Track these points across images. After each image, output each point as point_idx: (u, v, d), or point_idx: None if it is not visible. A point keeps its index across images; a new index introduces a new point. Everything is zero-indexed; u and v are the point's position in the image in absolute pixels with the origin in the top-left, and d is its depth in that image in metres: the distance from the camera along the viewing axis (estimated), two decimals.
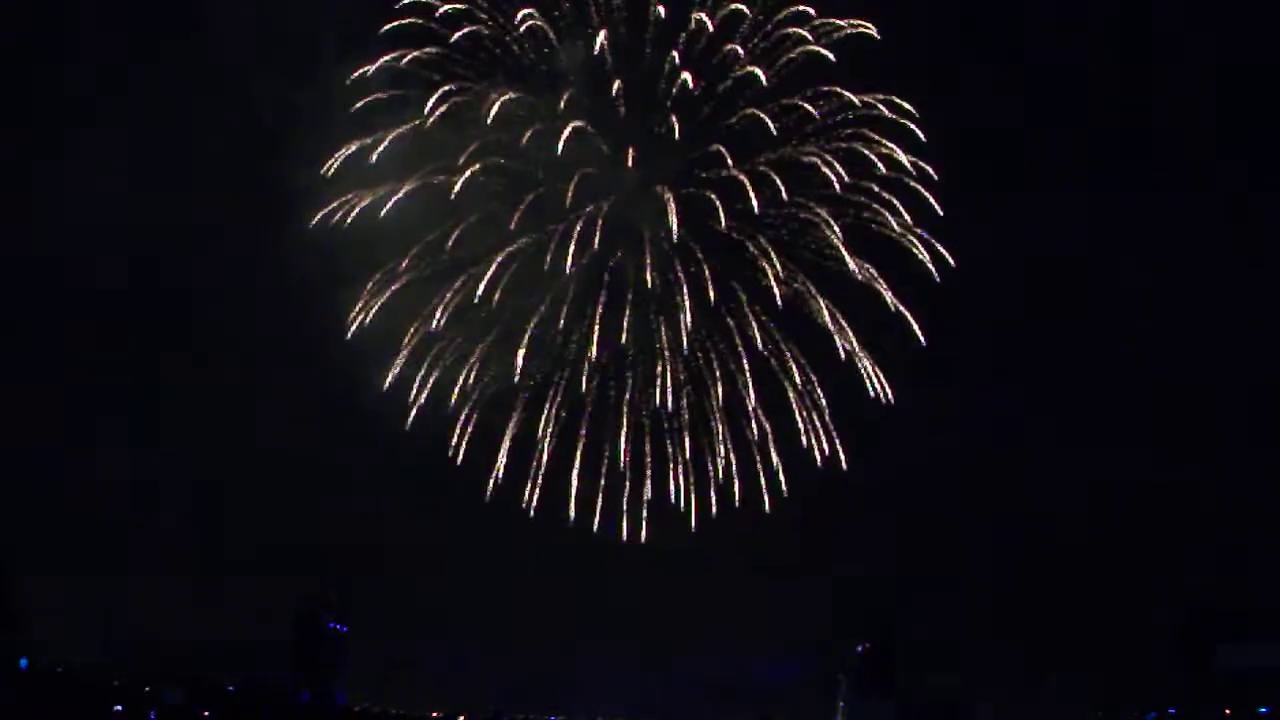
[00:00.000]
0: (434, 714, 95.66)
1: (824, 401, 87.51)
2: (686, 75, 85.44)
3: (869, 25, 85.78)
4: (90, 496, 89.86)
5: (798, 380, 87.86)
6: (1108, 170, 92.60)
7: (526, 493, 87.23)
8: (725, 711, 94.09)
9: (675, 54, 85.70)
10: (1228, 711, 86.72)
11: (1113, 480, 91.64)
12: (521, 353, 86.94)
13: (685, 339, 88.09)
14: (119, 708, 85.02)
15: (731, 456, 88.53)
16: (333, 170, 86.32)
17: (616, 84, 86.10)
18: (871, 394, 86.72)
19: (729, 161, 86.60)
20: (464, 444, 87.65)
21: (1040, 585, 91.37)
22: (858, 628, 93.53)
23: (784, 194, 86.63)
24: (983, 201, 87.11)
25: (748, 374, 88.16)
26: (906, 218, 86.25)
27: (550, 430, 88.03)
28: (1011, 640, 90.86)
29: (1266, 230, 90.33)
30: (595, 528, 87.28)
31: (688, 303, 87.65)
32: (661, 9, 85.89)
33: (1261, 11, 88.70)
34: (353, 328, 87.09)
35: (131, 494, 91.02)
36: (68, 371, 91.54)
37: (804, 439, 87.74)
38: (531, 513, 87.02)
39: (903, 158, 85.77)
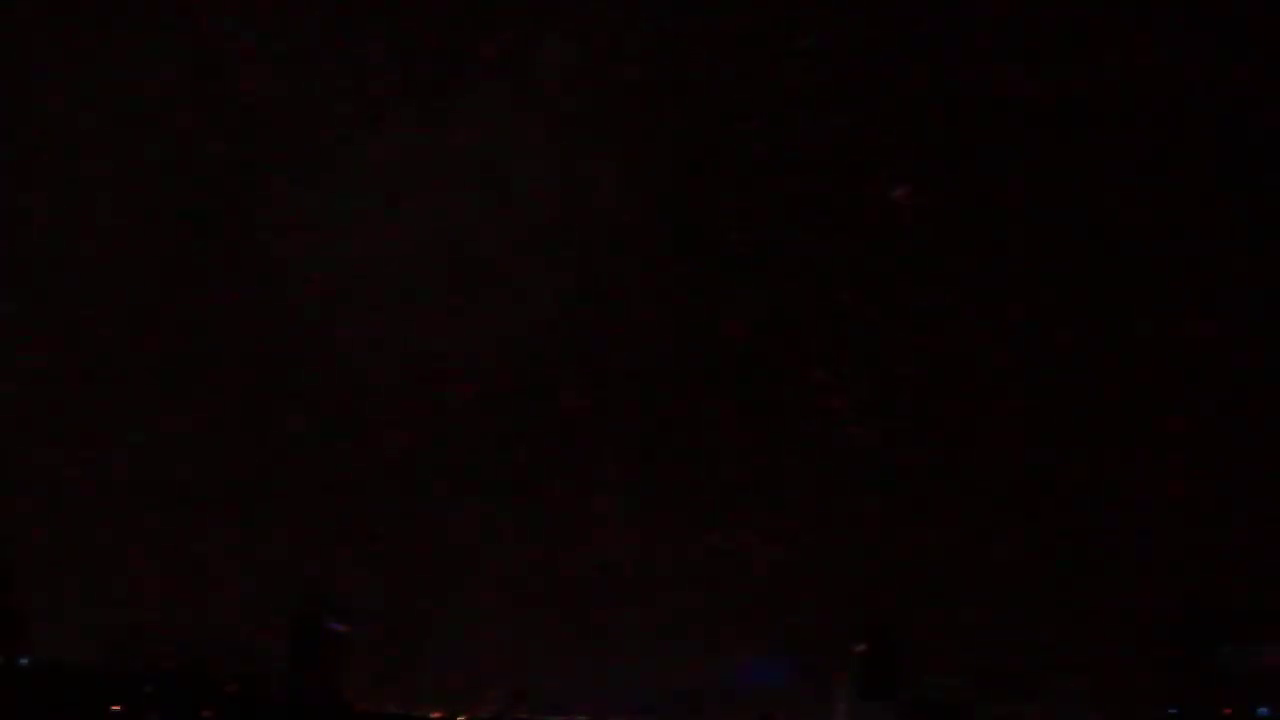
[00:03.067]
0: (434, 714, 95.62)
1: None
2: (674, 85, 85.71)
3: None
4: (91, 496, 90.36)
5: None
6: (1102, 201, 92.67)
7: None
8: (725, 711, 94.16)
9: (659, 67, 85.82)
10: (1228, 711, 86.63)
11: (1112, 481, 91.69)
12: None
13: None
14: (117, 708, 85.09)
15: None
16: (302, 178, 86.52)
17: (597, 97, 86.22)
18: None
19: (715, 182, 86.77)
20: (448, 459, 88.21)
21: (1040, 585, 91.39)
22: (857, 628, 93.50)
23: (766, 220, 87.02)
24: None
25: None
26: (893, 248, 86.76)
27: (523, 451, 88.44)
28: (1012, 641, 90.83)
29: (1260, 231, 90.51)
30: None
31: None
32: (648, 21, 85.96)
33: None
34: (339, 338, 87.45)
35: (132, 493, 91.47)
36: (68, 373, 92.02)
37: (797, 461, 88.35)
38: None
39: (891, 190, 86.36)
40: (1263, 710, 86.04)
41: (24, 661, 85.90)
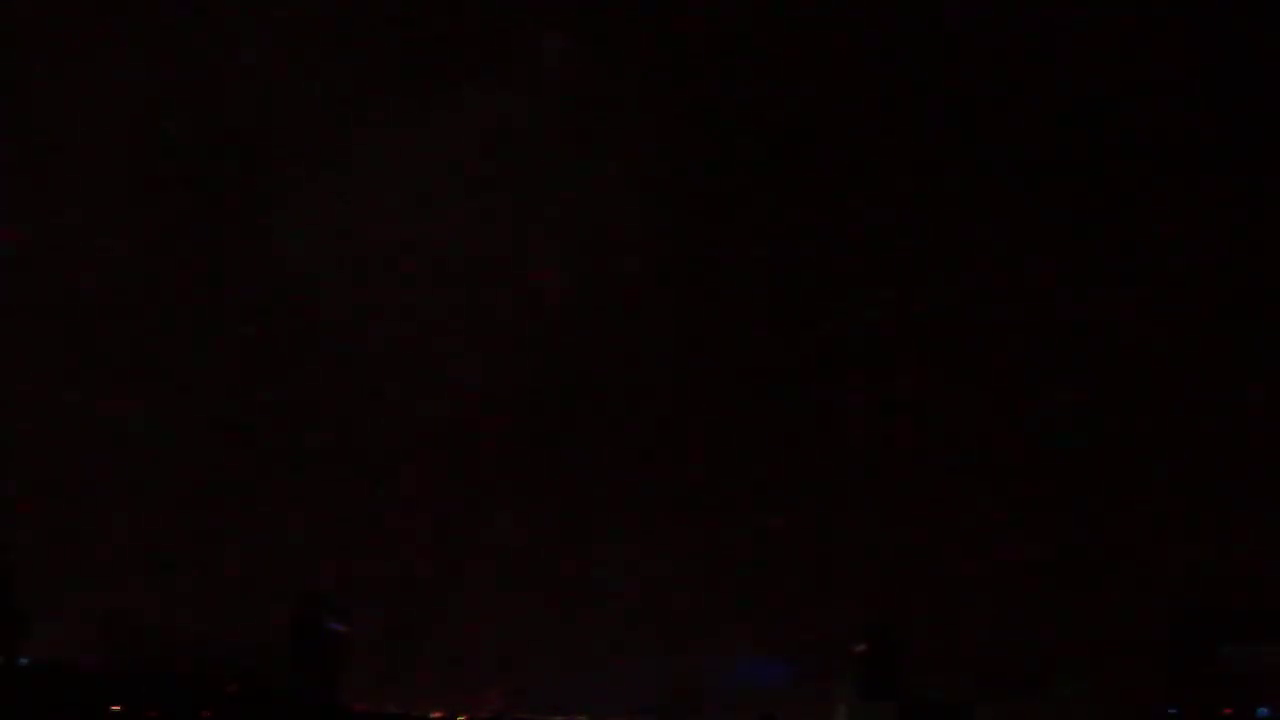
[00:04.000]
0: (434, 714, 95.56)
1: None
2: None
3: None
4: (91, 496, 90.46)
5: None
6: None
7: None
8: (725, 711, 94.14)
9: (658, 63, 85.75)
10: (1228, 711, 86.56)
11: (1112, 481, 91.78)
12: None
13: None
14: (117, 708, 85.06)
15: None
16: (306, 170, 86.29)
17: (597, 92, 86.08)
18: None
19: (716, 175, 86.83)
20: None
21: (1040, 585, 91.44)
22: (857, 628, 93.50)
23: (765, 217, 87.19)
24: None
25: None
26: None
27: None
28: (1012, 641, 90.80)
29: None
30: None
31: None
32: (647, 16, 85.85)
33: None
34: (339, 339, 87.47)
35: (132, 494, 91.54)
36: (69, 374, 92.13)
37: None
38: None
39: None
40: (1263, 710, 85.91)
41: (24, 661, 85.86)
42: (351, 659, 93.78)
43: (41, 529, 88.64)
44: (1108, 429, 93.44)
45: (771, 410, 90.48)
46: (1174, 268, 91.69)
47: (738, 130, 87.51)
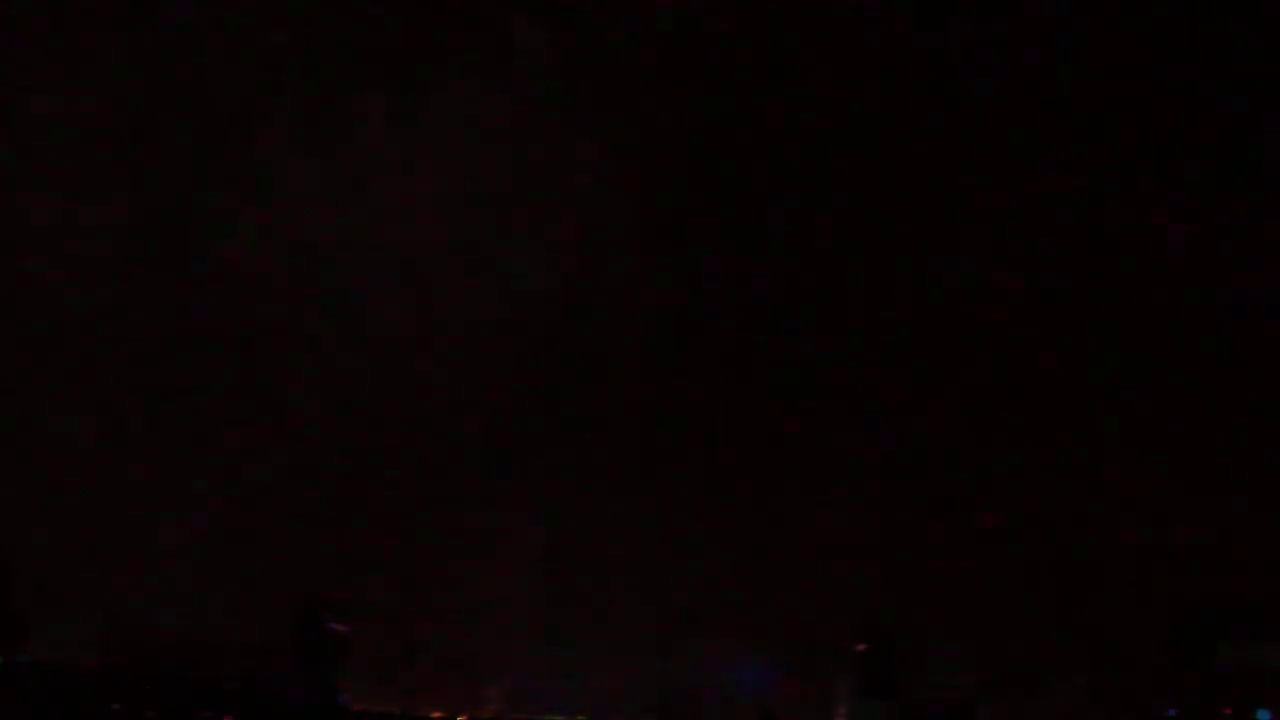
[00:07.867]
0: (434, 714, 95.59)
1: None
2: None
3: None
4: (91, 496, 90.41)
5: None
6: None
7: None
8: (725, 711, 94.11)
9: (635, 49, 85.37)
10: (1227, 711, 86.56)
11: (1111, 479, 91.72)
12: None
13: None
14: (117, 707, 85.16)
15: None
16: (280, 166, 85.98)
17: (572, 82, 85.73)
18: None
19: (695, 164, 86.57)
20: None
21: (1041, 586, 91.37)
22: (857, 628, 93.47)
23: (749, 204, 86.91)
24: None
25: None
26: None
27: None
28: (1012, 641, 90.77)
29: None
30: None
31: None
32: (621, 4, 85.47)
33: None
34: (331, 338, 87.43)
35: (133, 494, 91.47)
36: (66, 372, 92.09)
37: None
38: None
39: None
40: (1263, 713, 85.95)
41: (24, 661, 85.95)
42: (351, 659, 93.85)
43: (41, 529, 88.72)
44: (1107, 429, 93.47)
45: (768, 408, 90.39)
46: (1171, 271, 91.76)
47: (728, 126, 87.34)
